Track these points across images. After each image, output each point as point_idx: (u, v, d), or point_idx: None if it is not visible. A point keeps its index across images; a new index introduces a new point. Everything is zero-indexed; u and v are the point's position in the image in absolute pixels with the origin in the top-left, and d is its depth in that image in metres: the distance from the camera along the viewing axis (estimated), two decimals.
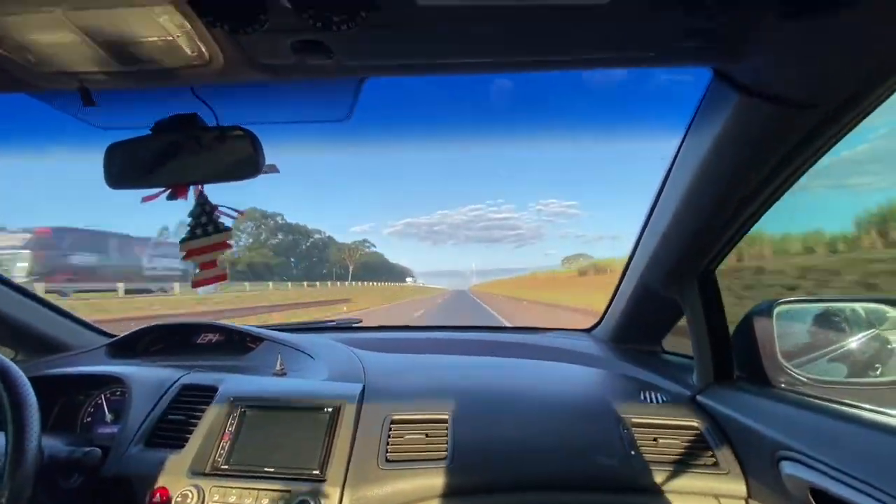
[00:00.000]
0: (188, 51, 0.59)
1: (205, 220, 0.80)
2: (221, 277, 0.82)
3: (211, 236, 0.80)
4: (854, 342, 1.18)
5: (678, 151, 0.90)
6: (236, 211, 0.84)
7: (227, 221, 0.82)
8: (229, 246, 0.81)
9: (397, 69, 0.67)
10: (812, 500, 0.76)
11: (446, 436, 1.01)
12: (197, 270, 0.80)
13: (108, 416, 1.18)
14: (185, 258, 0.79)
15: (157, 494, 0.92)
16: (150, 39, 0.57)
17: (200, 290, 0.81)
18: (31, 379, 0.83)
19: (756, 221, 0.91)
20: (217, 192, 0.82)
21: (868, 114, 0.64)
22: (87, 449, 0.93)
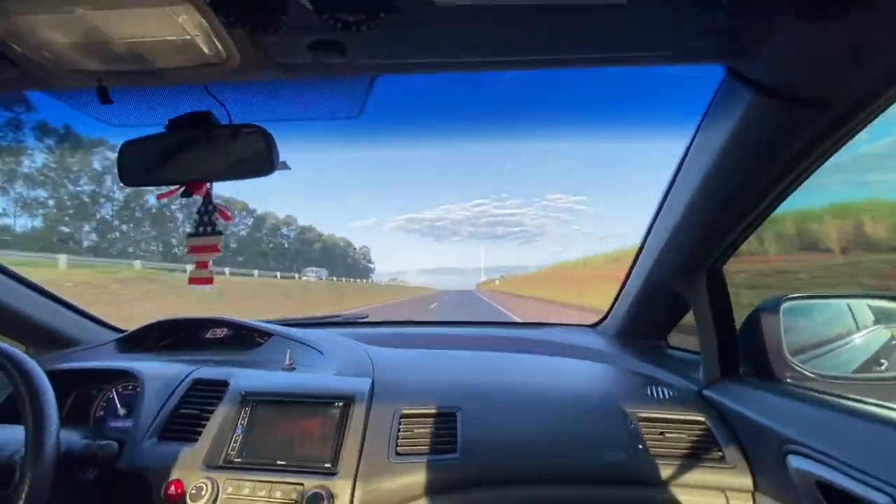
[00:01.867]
0: (205, 50, 0.59)
1: (207, 219, 0.81)
2: (209, 281, 0.82)
3: (208, 237, 0.81)
4: (860, 338, 1.19)
5: (688, 148, 0.90)
6: (226, 211, 0.84)
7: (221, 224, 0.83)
8: (219, 251, 0.81)
9: (411, 67, 0.68)
10: (819, 493, 0.77)
11: (455, 430, 1.02)
12: (193, 268, 0.81)
13: (121, 410, 1.20)
14: (187, 253, 0.80)
15: (172, 487, 0.93)
16: (168, 39, 0.57)
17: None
18: (46, 373, 0.84)
19: (765, 219, 0.91)
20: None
21: (880, 113, 0.64)
22: (104, 442, 0.94)
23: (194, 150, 0.79)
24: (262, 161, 0.76)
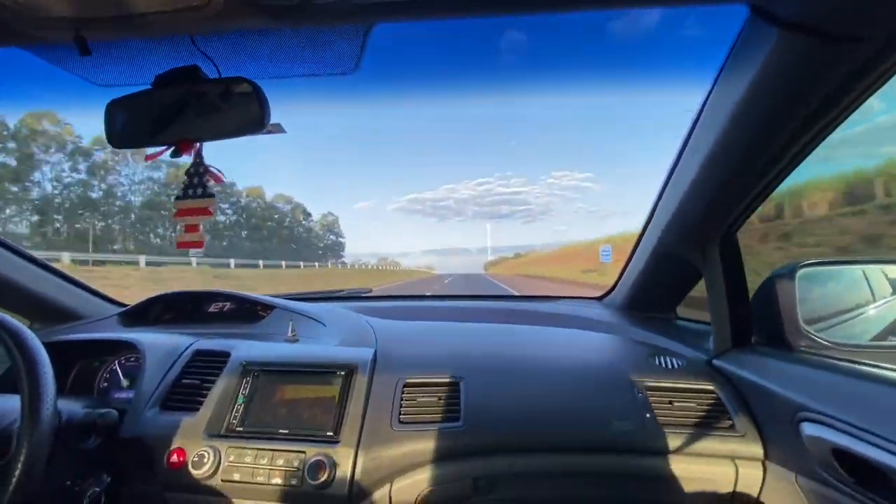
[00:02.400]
0: None
1: (196, 181, 0.78)
2: (198, 244, 0.78)
3: (198, 199, 0.78)
4: (878, 306, 1.15)
5: (705, 103, 0.85)
6: (220, 174, 0.80)
7: (212, 186, 0.79)
8: (210, 214, 0.78)
9: (407, 9, 0.63)
10: (834, 460, 0.75)
11: (459, 399, 1.01)
12: (181, 230, 0.78)
13: (124, 382, 1.20)
14: (175, 216, 0.76)
15: (174, 455, 0.93)
16: None
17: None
18: (47, 345, 0.83)
19: (784, 178, 0.86)
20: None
21: None
22: (104, 410, 0.94)
23: (183, 108, 0.75)
24: (253, 119, 0.72)
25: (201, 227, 0.77)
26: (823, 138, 0.76)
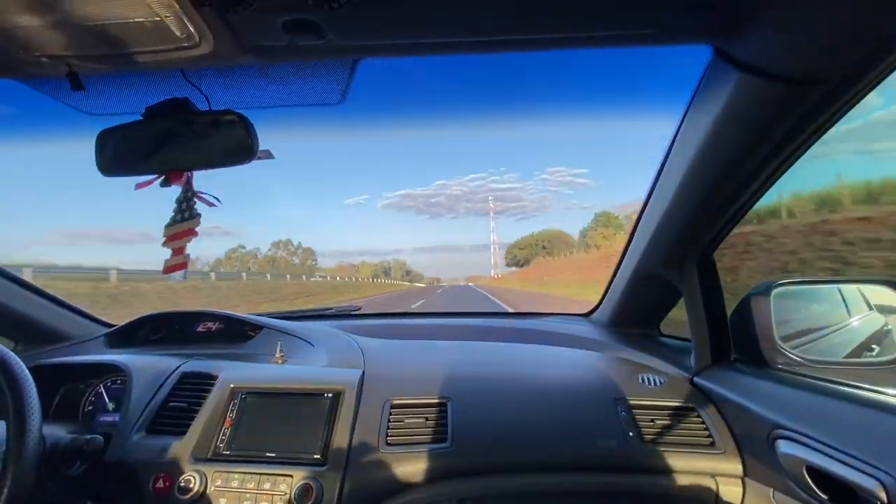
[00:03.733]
0: (177, 32, 0.57)
1: (184, 207, 0.79)
2: (183, 266, 0.80)
3: (185, 222, 0.79)
4: (851, 323, 1.18)
5: (677, 133, 0.89)
6: (216, 199, 0.82)
7: (200, 207, 0.81)
8: (196, 234, 0.80)
9: (391, 49, 0.66)
10: (808, 477, 0.77)
11: (446, 419, 1.02)
12: (169, 257, 0.79)
13: (110, 405, 1.19)
14: (165, 244, 0.78)
15: (161, 480, 0.93)
16: (137, 20, 0.55)
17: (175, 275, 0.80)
18: (31, 368, 0.83)
19: (757, 201, 0.90)
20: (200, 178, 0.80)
21: (872, 89, 0.63)
22: (89, 436, 0.93)
23: (173, 138, 0.77)
24: (242, 148, 0.75)
25: (185, 249, 0.78)
26: (788, 167, 0.80)
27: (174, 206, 0.80)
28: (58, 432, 0.91)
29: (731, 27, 0.61)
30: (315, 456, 0.96)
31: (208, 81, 0.78)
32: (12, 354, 0.81)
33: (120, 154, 0.80)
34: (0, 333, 1.40)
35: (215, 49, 0.61)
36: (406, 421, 1.03)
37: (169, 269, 0.80)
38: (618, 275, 1.36)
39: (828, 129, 0.70)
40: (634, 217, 1.18)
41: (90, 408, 1.21)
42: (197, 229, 0.80)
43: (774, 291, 1.04)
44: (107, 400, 1.20)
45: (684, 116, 0.85)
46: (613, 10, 0.58)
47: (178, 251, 0.80)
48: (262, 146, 0.78)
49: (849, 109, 0.66)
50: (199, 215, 0.80)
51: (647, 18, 0.60)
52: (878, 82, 0.61)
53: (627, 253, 1.26)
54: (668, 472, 0.96)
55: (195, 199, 0.80)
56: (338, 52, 0.66)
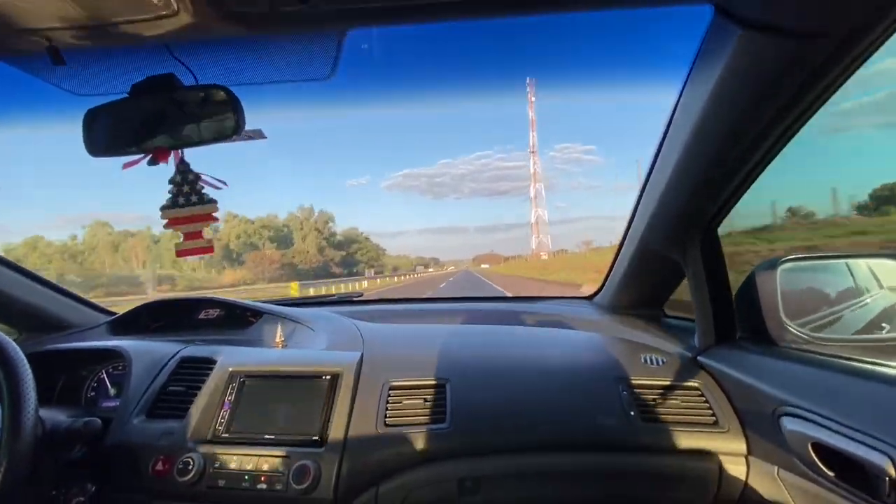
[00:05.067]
0: (154, 0, 0.56)
1: (187, 190, 0.78)
2: (207, 250, 0.80)
3: (194, 206, 0.78)
4: (860, 300, 1.15)
5: (678, 102, 0.86)
6: (222, 182, 0.82)
7: (212, 193, 0.80)
8: (215, 219, 0.79)
9: (379, 15, 0.63)
10: (813, 454, 0.75)
11: (444, 401, 1.01)
12: (181, 239, 0.79)
13: (111, 390, 1.20)
14: (166, 226, 0.77)
15: (160, 462, 0.93)
16: None
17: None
18: (33, 355, 0.83)
19: (761, 172, 0.87)
20: (202, 163, 0.80)
21: (881, 43, 0.59)
22: (87, 419, 0.94)
23: (160, 116, 0.76)
24: (229, 124, 0.73)
25: (204, 232, 0.78)
26: (794, 133, 0.77)
27: (170, 187, 0.79)
28: (56, 416, 0.92)
29: None
30: (313, 437, 0.95)
31: (194, 57, 0.76)
32: (7, 339, 0.82)
33: (108, 134, 0.79)
34: (3, 322, 1.41)
35: (195, 17, 0.59)
36: (405, 402, 1.02)
37: (183, 252, 0.79)
38: (620, 255, 1.34)
39: (838, 87, 0.67)
40: None
41: (92, 393, 1.22)
42: (215, 214, 0.79)
43: (781, 267, 1.01)
44: (108, 385, 1.21)
45: (685, 83, 0.82)
46: None
47: (195, 235, 0.79)
48: (255, 126, 0.77)
49: (860, 65, 0.63)
50: (214, 201, 0.79)
51: None
52: (889, 36, 0.58)
53: (629, 232, 1.24)
54: (670, 451, 0.95)
55: (202, 184, 0.79)
56: (324, 19, 0.64)
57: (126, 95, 0.76)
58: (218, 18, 0.60)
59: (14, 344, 0.82)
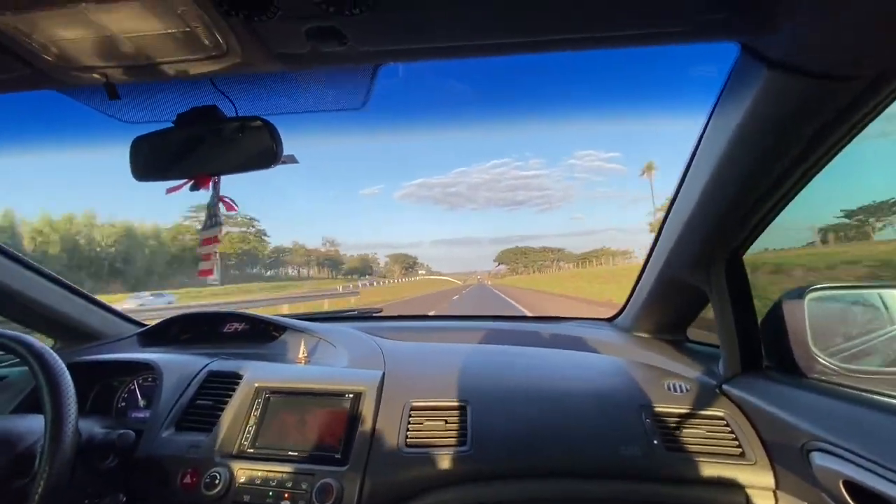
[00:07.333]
0: (206, 42, 0.60)
1: (213, 212, 0.83)
2: (209, 272, 0.84)
3: (213, 228, 0.83)
4: (892, 329, 1.12)
5: (703, 132, 0.87)
6: (232, 202, 0.85)
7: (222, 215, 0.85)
8: (220, 241, 0.84)
9: (411, 54, 0.67)
10: (846, 493, 0.73)
11: (466, 423, 1.02)
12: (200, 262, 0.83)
13: (142, 402, 1.24)
14: (201, 246, 0.81)
15: (188, 476, 0.96)
16: (169, 32, 0.58)
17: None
18: (69, 365, 0.87)
19: (787, 204, 0.87)
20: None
21: None
22: (122, 431, 0.97)
23: (202, 144, 0.80)
24: (267, 153, 0.77)
25: (213, 255, 0.81)
26: (821, 168, 0.77)
27: (207, 210, 0.84)
28: (92, 427, 0.95)
29: (760, 22, 0.59)
30: (336, 455, 0.97)
31: (236, 90, 0.81)
32: (51, 351, 0.85)
33: (152, 160, 0.83)
34: (39, 331, 1.47)
35: (242, 57, 0.63)
36: (426, 423, 1.03)
37: (203, 273, 0.83)
38: (642, 278, 1.33)
39: (863, 128, 0.67)
40: None
41: (123, 404, 1.25)
42: (219, 237, 0.83)
43: (808, 297, 0.99)
44: (139, 397, 1.24)
45: (711, 114, 0.83)
46: (641, 7, 0.57)
47: (208, 257, 0.83)
48: (286, 151, 0.81)
49: (883, 109, 0.63)
50: (221, 223, 0.83)
51: (674, 16, 0.59)
52: None
53: (652, 255, 1.23)
54: (694, 482, 0.93)
55: (218, 205, 0.83)
56: (359, 58, 0.67)
57: (171, 125, 0.81)
58: (263, 58, 0.64)
59: (56, 355, 0.86)
